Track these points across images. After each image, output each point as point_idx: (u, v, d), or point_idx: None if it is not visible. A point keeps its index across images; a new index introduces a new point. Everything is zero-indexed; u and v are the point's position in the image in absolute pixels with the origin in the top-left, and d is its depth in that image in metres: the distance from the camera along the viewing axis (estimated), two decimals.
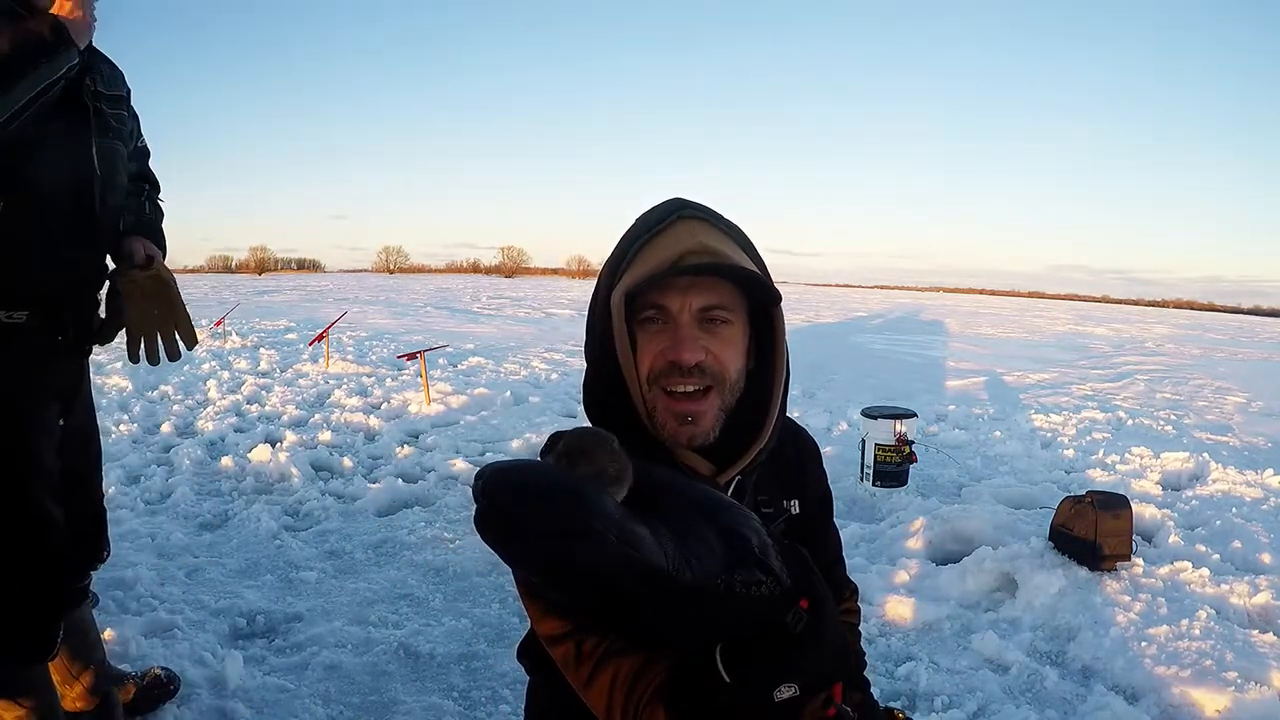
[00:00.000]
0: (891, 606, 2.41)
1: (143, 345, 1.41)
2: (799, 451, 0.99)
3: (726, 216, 0.87)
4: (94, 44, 1.32)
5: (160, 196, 1.63)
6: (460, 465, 3.83)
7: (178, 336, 1.43)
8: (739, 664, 0.59)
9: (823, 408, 5.69)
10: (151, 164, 1.63)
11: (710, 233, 0.83)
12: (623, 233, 0.87)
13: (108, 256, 1.43)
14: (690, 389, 0.80)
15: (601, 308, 0.84)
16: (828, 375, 7.82)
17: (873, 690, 1.99)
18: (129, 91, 1.46)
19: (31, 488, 1.28)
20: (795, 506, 0.94)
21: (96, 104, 1.33)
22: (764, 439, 0.85)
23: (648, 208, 0.88)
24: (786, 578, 0.60)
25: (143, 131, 1.56)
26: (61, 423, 1.37)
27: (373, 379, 6.44)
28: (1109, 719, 1.81)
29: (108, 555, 1.59)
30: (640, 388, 0.81)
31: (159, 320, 1.41)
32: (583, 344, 0.90)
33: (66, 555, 1.38)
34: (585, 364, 0.89)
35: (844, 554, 1.11)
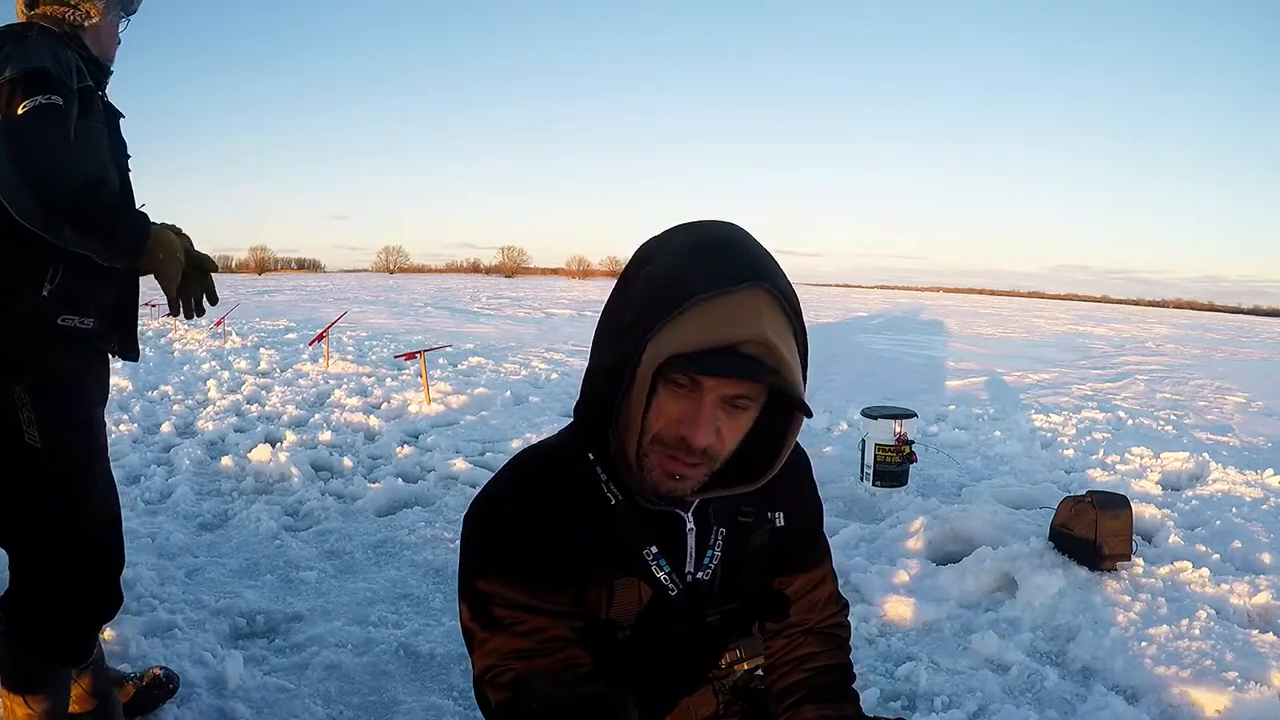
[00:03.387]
0: (891, 606, 2.41)
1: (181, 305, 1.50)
2: (792, 465, 0.96)
3: (790, 286, 0.78)
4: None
5: None
6: (460, 465, 3.83)
7: (205, 300, 1.53)
8: None
9: (823, 408, 5.69)
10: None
11: (774, 317, 0.75)
12: (678, 256, 0.76)
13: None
14: (688, 462, 0.78)
15: (632, 338, 0.75)
16: (828, 375, 7.82)
17: (873, 691, 2.00)
18: None
19: (107, 488, 1.42)
20: (780, 519, 0.93)
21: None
22: (746, 489, 0.84)
23: (711, 235, 0.78)
24: None
25: None
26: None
27: (373, 379, 6.43)
28: (1109, 719, 1.81)
29: None
30: (641, 437, 0.78)
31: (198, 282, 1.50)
32: (582, 344, 0.89)
33: (120, 555, 1.48)
34: (587, 365, 0.85)
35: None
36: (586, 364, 0.85)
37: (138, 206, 1.59)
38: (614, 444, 0.80)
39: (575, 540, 0.82)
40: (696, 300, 0.73)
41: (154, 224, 1.37)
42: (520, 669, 0.79)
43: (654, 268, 0.78)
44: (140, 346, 1.57)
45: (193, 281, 1.46)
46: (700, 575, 0.89)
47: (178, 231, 1.52)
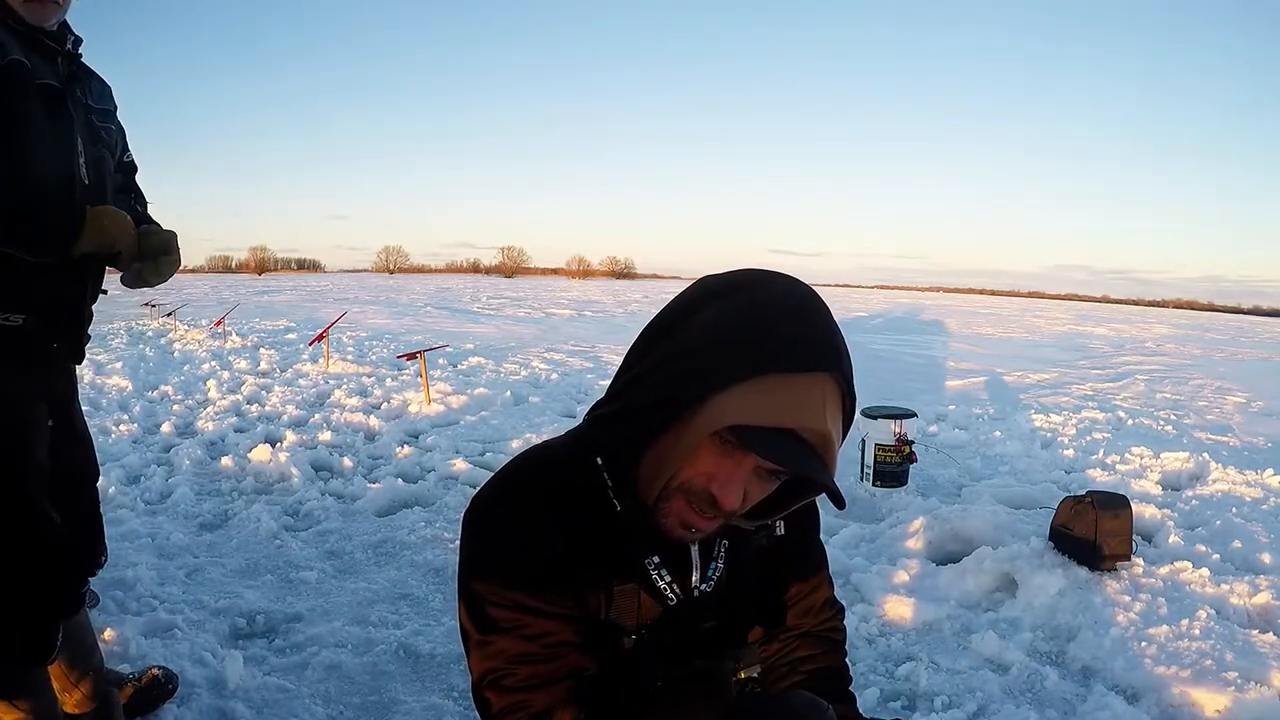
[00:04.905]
0: (891, 606, 2.41)
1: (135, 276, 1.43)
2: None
3: (851, 366, 0.77)
4: (85, 60, 1.37)
5: (147, 209, 1.61)
6: (460, 465, 3.83)
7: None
8: None
9: None
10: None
11: (834, 407, 0.74)
12: (755, 313, 0.74)
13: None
14: (708, 515, 0.78)
15: (693, 388, 0.73)
16: None
17: (873, 691, 2.00)
18: (116, 107, 1.49)
19: (25, 486, 1.28)
20: (780, 526, 0.93)
21: (87, 116, 1.35)
22: (750, 525, 0.84)
23: (792, 299, 0.75)
24: None
25: (129, 146, 1.56)
26: (51, 423, 1.36)
27: (373, 379, 6.43)
28: (1109, 719, 1.81)
29: (105, 560, 1.58)
30: (668, 482, 0.77)
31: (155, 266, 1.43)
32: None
33: (67, 555, 1.37)
34: (622, 380, 0.82)
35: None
36: (618, 376, 0.82)
37: (102, 194, 1.42)
38: (637, 479, 0.80)
39: (576, 544, 0.81)
40: (772, 375, 0.71)
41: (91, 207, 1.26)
42: (526, 674, 0.79)
43: (723, 316, 0.75)
44: (85, 349, 1.44)
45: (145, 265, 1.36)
46: (704, 587, 0.89)
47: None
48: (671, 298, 0.82)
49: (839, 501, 0.75)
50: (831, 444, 0.73)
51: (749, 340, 0.72)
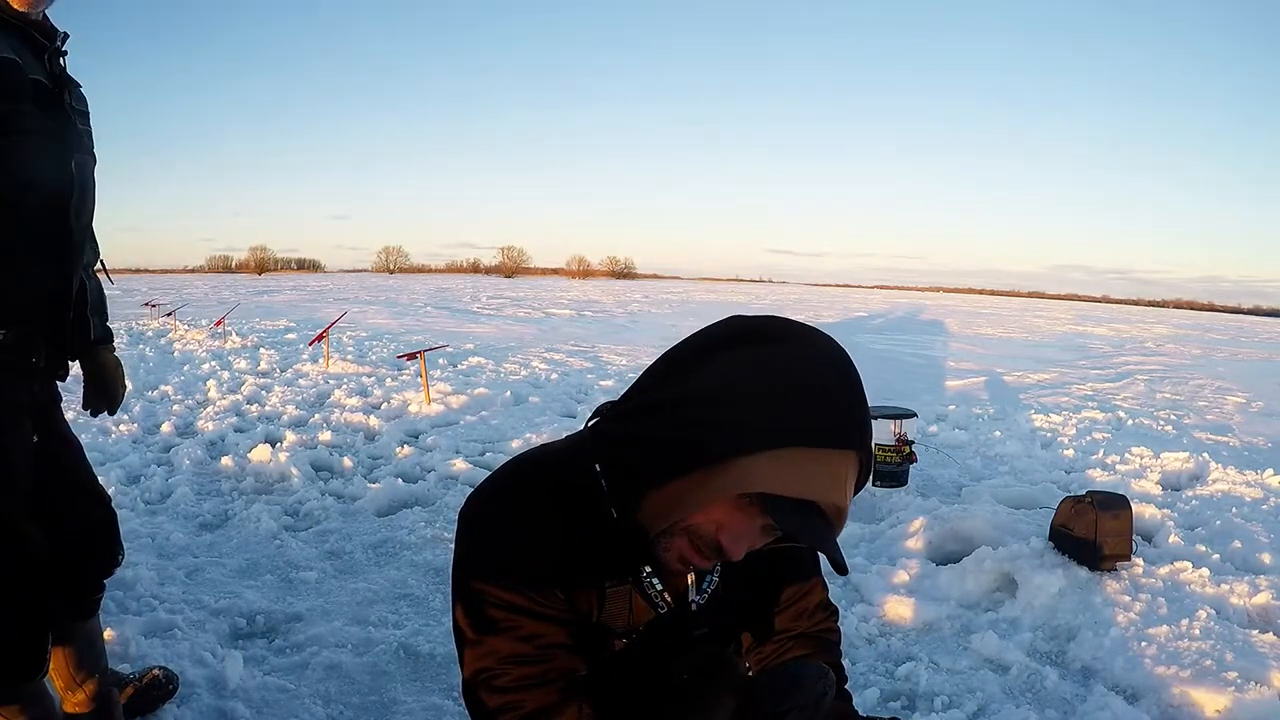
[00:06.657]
0: (891, 606, 2.41)
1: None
2: None
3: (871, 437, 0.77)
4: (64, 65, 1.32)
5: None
6: (460, 465, 3.83)
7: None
8: None
9: None
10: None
11: (852, 482, 0.75)
12: (791, 377, 0.72)
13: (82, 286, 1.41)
14: (708, 558, 0.79)
15: (722, 443, 0.72)
16: None
17: (873, 691, 2.00)
18: (88, 109, 1.44)
19: (4, 505, 1.25)
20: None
21: (73, 117, 1.31)
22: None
23: (829, 370, 0.74)
24: None
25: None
26: (35, 438, 1.33)
27: (373, 379, 6.43)
28: (1109, 719, 1.81)
29: (122, 559, 1.57)
30: (677, 523, 0.77)
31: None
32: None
33: (54, 570, 1.35)
34: (636, 399, 0.81)
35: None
36: (632, 395, 0.81)
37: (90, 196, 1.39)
38: (641, 505, 0.79)
39: (571, 544, 0.82)
40: (807, 448, 0.71)
41: None
42: (517, 674, 0.80)
43: (757, 369, 0.73)
44: (69, 364, 1.40)
45: None
46: (699, 599, 0.90)
47: None
48: (689, 333, 0.81)
49: (841, 569, 0.76)
50: (845, 517, 0.75)
51: (787, 407, 0.71)
